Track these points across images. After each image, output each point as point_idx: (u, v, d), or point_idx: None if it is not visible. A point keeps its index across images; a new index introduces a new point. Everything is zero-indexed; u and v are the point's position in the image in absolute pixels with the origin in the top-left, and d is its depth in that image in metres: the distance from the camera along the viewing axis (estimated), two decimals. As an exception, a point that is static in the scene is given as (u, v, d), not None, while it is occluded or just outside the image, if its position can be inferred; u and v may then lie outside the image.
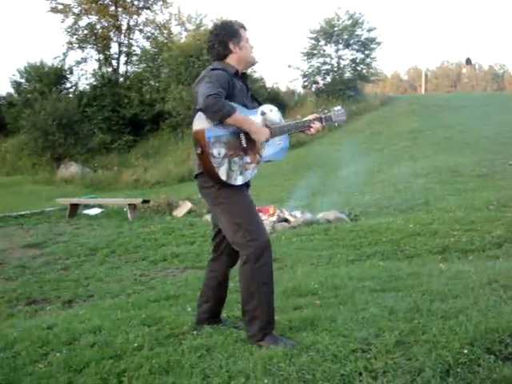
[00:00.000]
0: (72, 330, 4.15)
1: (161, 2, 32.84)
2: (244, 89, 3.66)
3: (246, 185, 3.64)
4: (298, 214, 10.76)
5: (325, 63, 32.39)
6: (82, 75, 32.64)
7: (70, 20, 31.67)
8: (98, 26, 32.31)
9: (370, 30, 31.96)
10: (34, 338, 4.01)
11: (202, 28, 31.91)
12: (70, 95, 30.85)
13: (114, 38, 32.75)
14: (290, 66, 33.13)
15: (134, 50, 33.18)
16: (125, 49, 32.81)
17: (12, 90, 32.25)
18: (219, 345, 3.49)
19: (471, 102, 29.36)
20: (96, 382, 3.18)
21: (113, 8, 32.16)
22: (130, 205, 12.06)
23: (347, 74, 31.98)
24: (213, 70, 3.49)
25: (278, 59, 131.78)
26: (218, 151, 3.35)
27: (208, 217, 9.95)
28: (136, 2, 32.52)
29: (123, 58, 32.96)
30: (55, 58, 31.68)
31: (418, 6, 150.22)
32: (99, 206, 13.59)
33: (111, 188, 22.28)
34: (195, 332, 3.78)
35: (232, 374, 3.03)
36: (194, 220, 11.45)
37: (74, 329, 4.18)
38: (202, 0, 60.91)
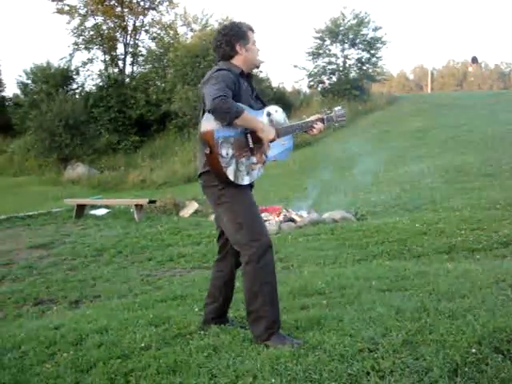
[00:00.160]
0: (79, 330, 4.17)
1: (167, 3, 33.02)
2: (249, 89, 3.68)
3: (250, 185, 3.65)
4: (304, 213, 10.77)
5: (330, 63, 32.41)
6: (89, 76, 32.92)
7: (76, 21, 31.94)
8: (104, 27, 32.49)
9: (375, 30, 31.99)
10: (42, 339, 4.03)
11: (208, 28, 32.01)
12: (77, 96, 30.97)
13: (120, 39, 32.95)
14: (295, 66, 33.21)
15: (140, 51, 33.37)
16: (131, 49, 32.96)
17: (19, 91, 32.47)
18: (226, 344, 3.49)
19: (477, 101, 29.29)
20: (103, 381, 3.19)
21: (119, 9, 32.31)
22: (136, 205, 12.07)
23: (353, 74, 31.99)
24: (218, 70, 3.50)
25: (283, 59, 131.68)
26: (226, 151, 3.38)
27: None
28: (142, 3, 32.69)
29: (129, 59, 33.17)
30: (61, 59, 31.94)
31: (423, 5, 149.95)
32: (106, 206, 13.61)
33: (118, 189, 22.36)
34: (202, 332, 3.78)
35: (239, 374, 3.03)
36: (201, 220, 11.46)
37: (81, 329, 4.19)
38: (207, 0, 61.00)
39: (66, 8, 31.83)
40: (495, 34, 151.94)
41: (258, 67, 3.91)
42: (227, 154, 3.38)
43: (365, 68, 32.06)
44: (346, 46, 32.00)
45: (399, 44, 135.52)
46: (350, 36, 31.46)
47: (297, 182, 16.74)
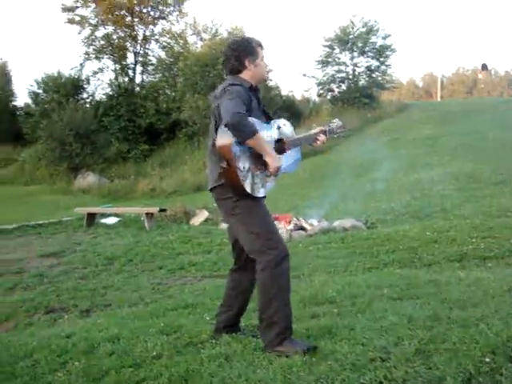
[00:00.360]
0: (90, 338, 4.17)
1: (177, 13, 33.27)
2: (256, 103, 3.72)
3: (263, 196, 3.69)
4: (314, 222, 10.75)
5: (340, 71, 32.44)
6: (99, 85, 33.14)
7: (87, 31, 32.25)
8: (115, 37, 32.75)
9: (384, 37, 32.00)
10: (53, 347, 4.04)
11: (218, 37, 32.11)
12: (87, 105, 31.09)
13: (130, 48, 33.16)
14: (305, 75, 33.32)
15: (150, 60, 33.58)
16: (141, 59, 33.17)
17: (30, 101, 32.67)
18: (238, 353, 3.49)
19: (488, 108, 29.16)
20: (115, 390, 3.19)
21: (129, 18, 32.55)
22: (147, 214, 12.09)
23: (362, 82, 31.98)
24: (231, 85, 3.53)
25: (293, 67, 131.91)
26: (243, 165, 3.45)
27: (224, 225, 9.96)
28: (152, 13, 32.96)
29: (139, 68, 33.38)
30: (72, 68, 32.14)
31: (433, 13, 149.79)
32: (116, 215, 13.65)
33: (128, 197, 22.41)
34: (214, 341, 3.78)
35: (251, 383, 3.02)
36: (211, 228, 11.46)
37: (93, 338, 4.19)
38: (217, 10, 61.30)
39: (77, 18, 32.18)
40: (505, 40, 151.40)
41: (264, 82, 3.97)
42: (244, 168, 3.45)
43: (374, 76, 32.07)
44: (356, 54, 32.02)
45: (408, 51, 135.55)
46: (360, 44, 31.48)
47: (307, 191, 16.70)
